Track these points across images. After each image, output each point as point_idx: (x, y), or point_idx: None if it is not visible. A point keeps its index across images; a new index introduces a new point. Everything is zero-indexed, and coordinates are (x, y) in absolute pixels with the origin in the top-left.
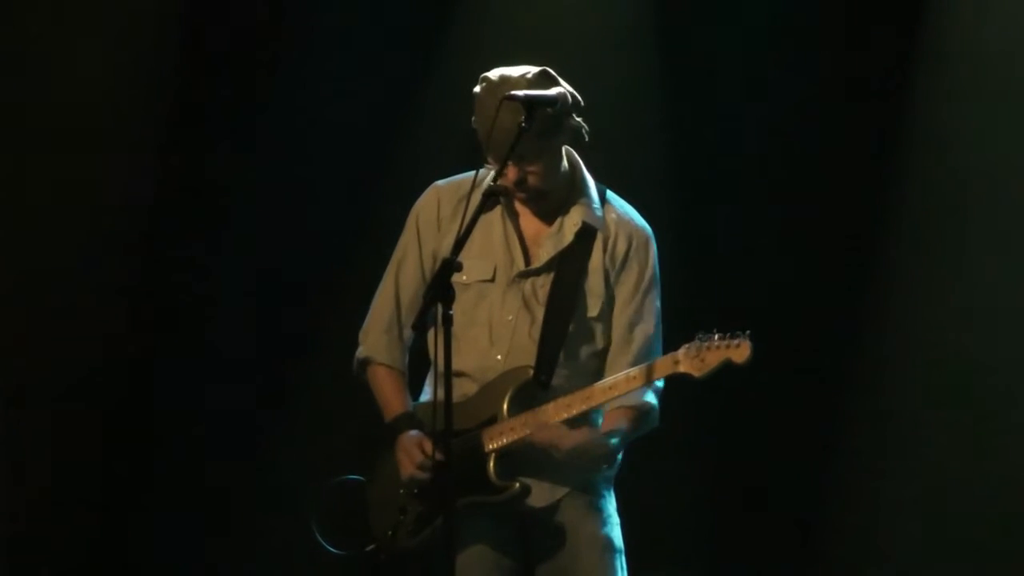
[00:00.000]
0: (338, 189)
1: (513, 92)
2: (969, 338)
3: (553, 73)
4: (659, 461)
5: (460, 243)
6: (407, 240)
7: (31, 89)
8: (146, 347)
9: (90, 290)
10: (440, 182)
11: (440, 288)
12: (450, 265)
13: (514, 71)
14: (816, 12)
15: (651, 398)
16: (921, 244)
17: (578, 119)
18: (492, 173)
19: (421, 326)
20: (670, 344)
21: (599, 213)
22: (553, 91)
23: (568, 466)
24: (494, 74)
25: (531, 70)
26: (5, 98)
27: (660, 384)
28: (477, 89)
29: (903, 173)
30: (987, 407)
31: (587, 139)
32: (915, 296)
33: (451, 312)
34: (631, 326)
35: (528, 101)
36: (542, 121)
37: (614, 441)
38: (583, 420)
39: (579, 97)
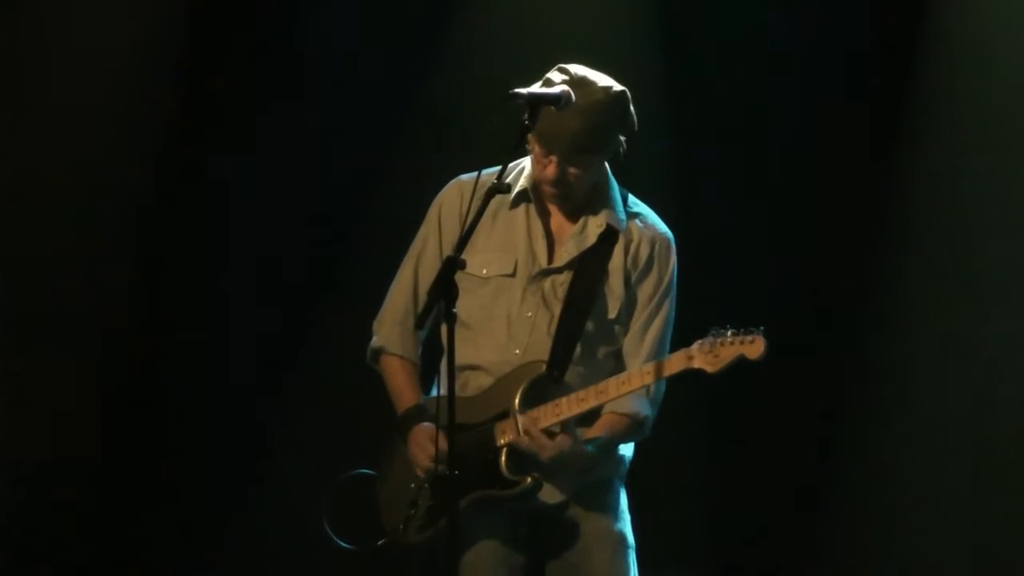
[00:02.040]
0: (340, 187)
1: (517, 89)
2: (971, 336)
3: (629, 96)
4: (662, 460)
5: (463, 241)
6: (427, 232)
7: (31, 89)
8: (148, 345)
9: (91, 289)
10: (463, 176)
11: (444, 286)
12: (453, 263)
13: (599, 79)
14: (816, 12)
15: (647, 408)
16: (923, 242)
17: (622, 138)
18: (500, 169)
19: (423, 323)
20: (681, 342)
21: (622, 216)
22: (556, 89)
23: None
24: (576, 71)
25: (615, 86)
26: (5, 97)
27: (661, 393)
28: (553, 76)
29: (904, 172)
30: (989, 406)
31: (622, 159)
32: (917, 295)
33: (454, 310)
34: (644, 329)
35: (531, 99)
36: (602, 137)
37: (592, 449)
38: (568, 427)
39: (636, 122)
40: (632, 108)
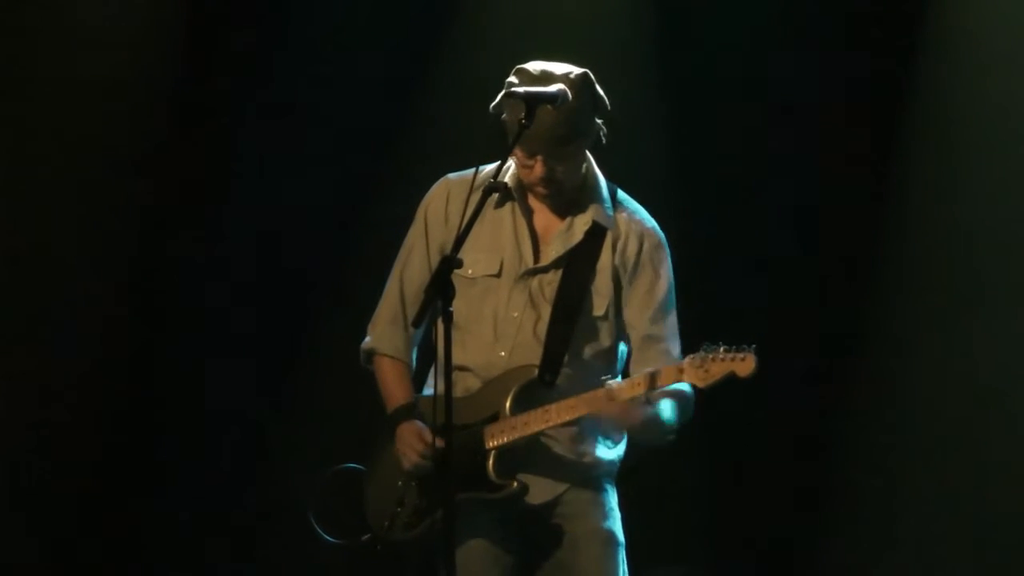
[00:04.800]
0: (338, 185)
1: (514, 89)
2: (971, 338)
3: (592, 77)
4: (661, 460)
5: (460, 240)
6: (415, 233)
7: (30, 87)
8: (146, 344)
9: (90, 288)
10: (451, 175)
11: (440, 284)
12: (450, 262)
13: (556, 68)
14: (816, 12)
15: (687, 387)
16: (922, 244)
17: (599, 121)
18: (495, 168)
19: (420, 321)
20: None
21: (610, 212)
22: (553, 88)
23: (569, 462)
24: (535, 68)
25: (574, 70)
26: (5, 97)
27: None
28: (513, 79)
29: (905, 173)
30: (989, 408)
31: (604, 142)
32: (917, 295)
33: (451, 309)
34: (649, 333)
35: (529, 98)
36: (579, 124)
37: (670, 421)
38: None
39: (607, 101)
40: (599, 88)
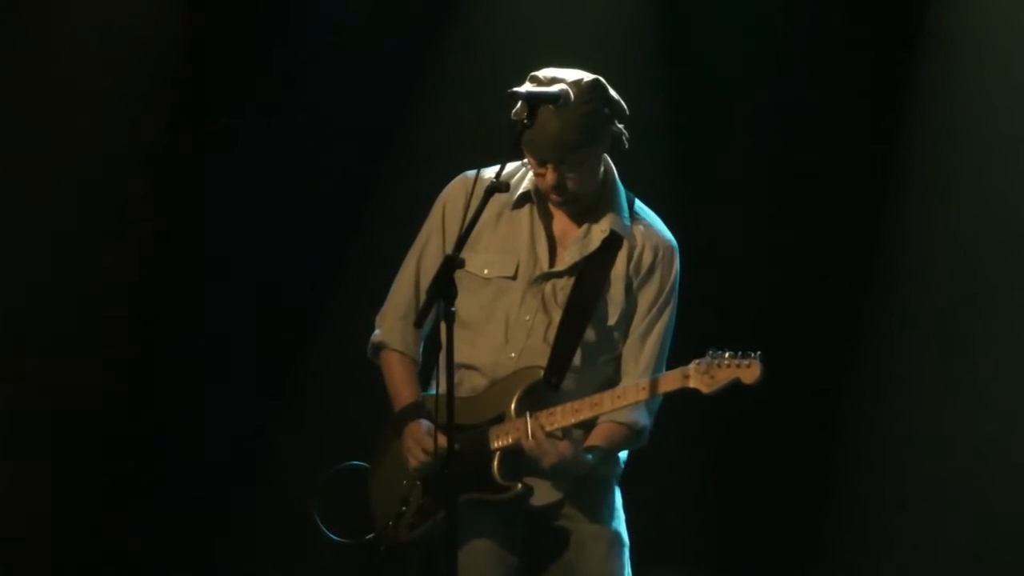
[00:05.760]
0: (338, 186)
1: (515, 89)
2: (970, 339)
3: (604, 83)
4: (663, 460)
5: (462, 240)
6: (431, 227)
7: (31, 88)
8: (147, 345)
9: (90, 288)
10: (469, 172)
11: (442, 284)
12: (452, 262)
13: (568, 75)
14: (817, 11)
15: (645, 418)
16: (921, 244)
17: (619, 126)
18: (512, 167)
19: (422, 322)
20: (678, 355)
21: (627, 222)
22: (555, 88)
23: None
24: (545, 74)
25: (585, 76)
26: (4, 97)
27: (659, 402)
28: (527, 86)
29: (905, 173)
30: (989, 408)
31: (626, 146)
32: (916, 295)
33: (454, 309)
34: (644, 336)
35: (530, 98)
36: (588, 129)
37: (590, 458)
38: (570, 435)
39: (624, 105)
40: (613, 93)
